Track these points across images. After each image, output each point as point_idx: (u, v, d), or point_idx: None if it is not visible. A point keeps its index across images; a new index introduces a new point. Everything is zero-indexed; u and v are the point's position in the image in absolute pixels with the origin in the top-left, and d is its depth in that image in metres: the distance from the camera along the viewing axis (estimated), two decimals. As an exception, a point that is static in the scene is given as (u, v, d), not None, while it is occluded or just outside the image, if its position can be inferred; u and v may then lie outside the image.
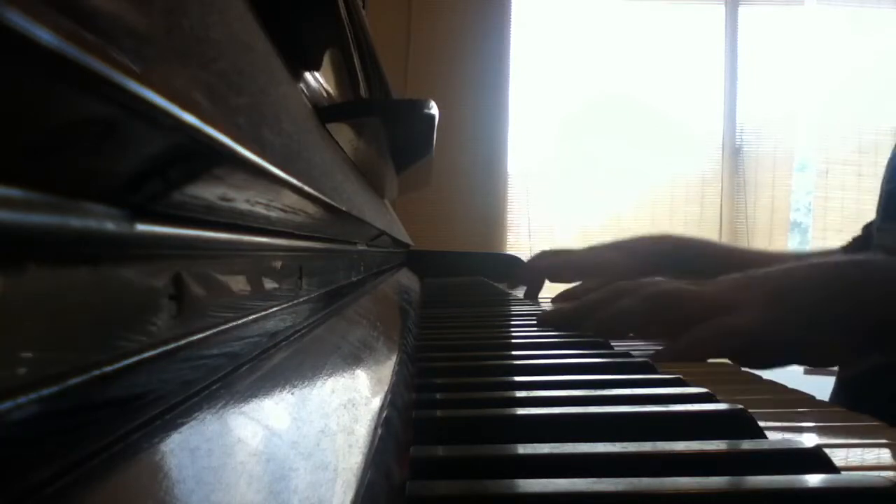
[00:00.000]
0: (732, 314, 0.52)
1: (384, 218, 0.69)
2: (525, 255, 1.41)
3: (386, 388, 0.30)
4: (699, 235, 1.28)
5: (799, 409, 0.36)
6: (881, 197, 0.83)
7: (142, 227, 0.13)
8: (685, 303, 0.55)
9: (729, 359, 0.52)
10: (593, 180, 2.66)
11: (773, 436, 0.28)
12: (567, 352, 0.49)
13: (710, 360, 0.53)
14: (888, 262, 0.54)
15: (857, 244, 0.90)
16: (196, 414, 0.15)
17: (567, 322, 0.61)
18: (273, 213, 0.21)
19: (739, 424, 0.29)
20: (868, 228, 0.90)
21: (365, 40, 0.67)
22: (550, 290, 1.04)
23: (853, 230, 0.93)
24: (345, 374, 0.28)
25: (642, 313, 0.57)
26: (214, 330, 0.17)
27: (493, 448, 0.26)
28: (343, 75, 0.58)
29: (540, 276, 1.03)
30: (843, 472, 0.23)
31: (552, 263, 1.03)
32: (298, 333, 0.27)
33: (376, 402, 0.27)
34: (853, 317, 0.50)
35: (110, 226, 0.12)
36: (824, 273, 0.54)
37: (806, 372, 0.89)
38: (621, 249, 0.97)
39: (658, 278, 0.64)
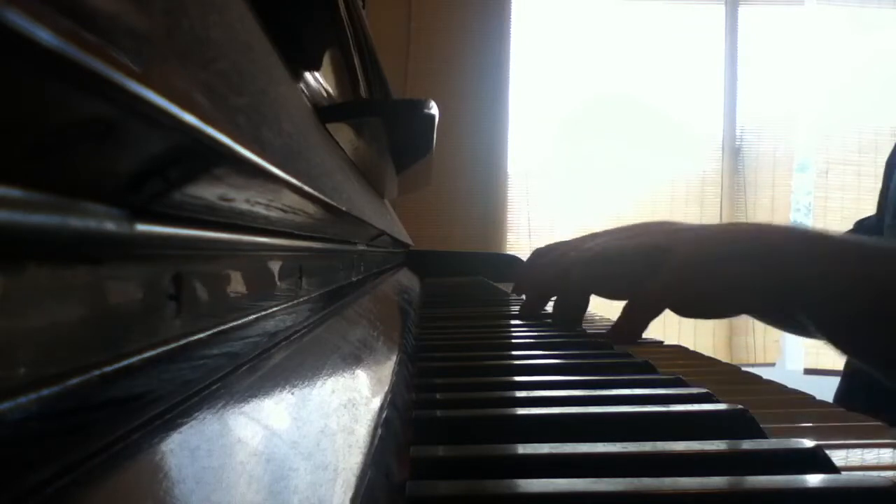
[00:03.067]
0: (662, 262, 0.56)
1: (384, 218, 0.69)
2: (525, 256, 1.40)
3: (386, 388, 0.30)
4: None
5: (799, 409, 0.36)
6: (885, 195, 0.83)
7: (142, 227, 0.13)
8: (625, 266, 0.60)
9: (680, 309, 0.57)
10: (593, 180, 2.66)
11: (773, 436, 0.28)
12: (567, 352, 0.49)
13: (710, 361, 0.53)
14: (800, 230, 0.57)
15: None
16: (196, 414, 0.15)
17: (532, 312, 0.68)
18: (273, 213, 0.21)
19: (740, 424, 0.29)
20: (861, 224, 0.90)
21: (365, 40, 0.67)
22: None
23: (853, 230, 0.94)
24: (345, 374, 0.28)
25: (587, 291, 0.63)
26: (214, 330, 0.17)
27: (494, 448, 0.26)
28: (343, 75, 0.58)
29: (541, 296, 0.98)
30: (843, 472, 0.23)
31: (546, 265, 0.99)
32: (298, 333, 0.27)
33: (376, 402, 0.27)
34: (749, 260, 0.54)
35: (110, 226, 0.12)
36: (739, 228, 0.59)
37: (806, 372, 0.89)
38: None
39: (597, 233, 0.68)
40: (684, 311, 0.58)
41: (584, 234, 0.72)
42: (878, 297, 0.49)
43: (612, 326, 0.60)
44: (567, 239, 0.77)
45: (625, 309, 0.60)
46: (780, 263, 0.53)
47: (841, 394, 0.79)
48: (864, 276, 0.50)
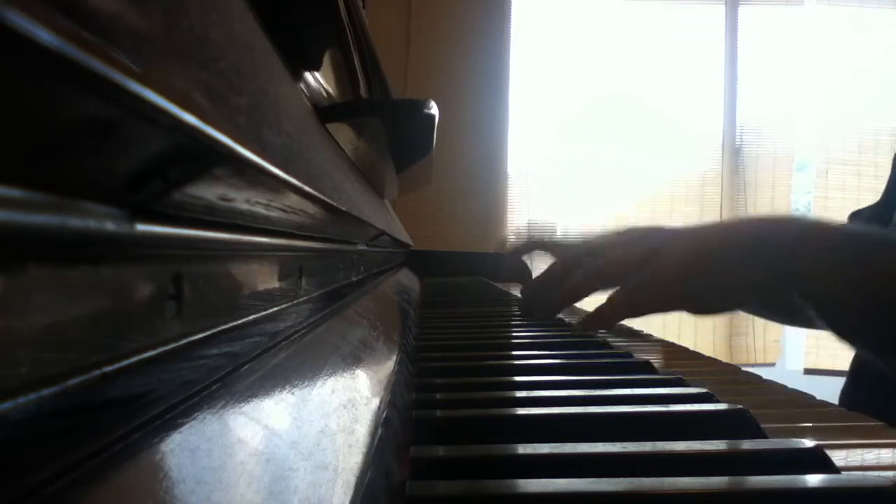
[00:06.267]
0: (652, 262, 0.59)
1: (384, 218, 0.69)
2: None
3: (386, 388, 0.30)
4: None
5: (799, 409, 0.36)
6: (892, 188, 0.83)
7: (142, 227, 0.13)
8: (627, 268, 0.61)
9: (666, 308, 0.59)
10: (593, 180, 2.66)
11: (773, 436, 0.28)
12: (567, 352, 0.49)
13: (710, 361, 0.53)
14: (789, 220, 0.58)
15: None
16: (196, 414, 0.15)
17: (531, 305, 0.70)
18: (273, 213, 0.21)
19: (740, 424, 0.29)
20: (856, 216, 0.90)
21: (365, 40, 0.67)
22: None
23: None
24: (345, 374, 0.28)
25: (590, 288, 0.65)
26: (214, 330, 0.17)
27: (493, 448, 0.26)
28: (343, 75, 0.58)
29: (526, 250, 1.03)
30: (843, 472, 0.23)
31: (540, 241, 1.03)
32: (298, 333, 0.27)
33: (376, 402, 0.27)
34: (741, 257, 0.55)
35: (110, 226, 0.12)
36: (725, 226, 0.61)
37: (806, 372, 0.89)
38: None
39: (598, 236, 0.71)
40: (681, 306, 0.58)
41: (582, 235, 0.73)
42: (877, 286, 0.50)
43: (590, 314, 0.63)
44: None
45: (609, 299, 0.62)
46: (776, 257, 0.53)
47: (845, 394, 0.79)
48: (862, 265, 0.51)
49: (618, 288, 0.62)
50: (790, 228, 0.55)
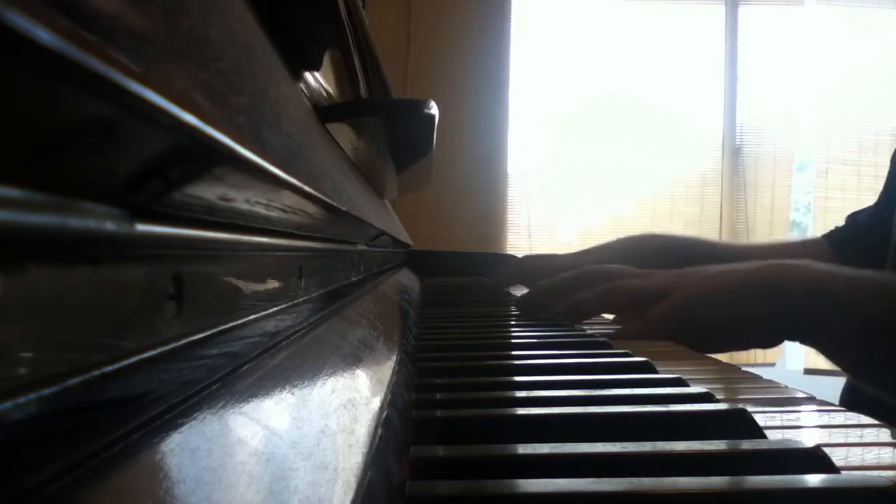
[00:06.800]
0: (667, 299, 0.61)
1: (384, 218, 0.69)
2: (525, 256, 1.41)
3: (386, 388, 0.30)
4: (698, 235, 1.28)
5: (799, 409, 0.36)
6: (889, 189, 0.84)
7: (142, 227, 0.13)
8: (635, 297, 0.64)
9: (676, 341, 0.61)
10: (593, 180, 2.66)
11: (773, 435, 0.28)
12: (567, 352, 0.49)
13: (710, 361, 0.53)
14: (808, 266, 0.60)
15: (838, 233, 0.93)
16: (196, 414, 0.15)
17: (531, 306, 0.72)
18: (273, 213, 0.21)
19: (739, 424, 0.29)
20: (854, 217, 0.91)
21: (365, 40, 0.67)
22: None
23: (853, 230, 0.94)
24: (345, 374, 0.28)
25: (598, 308, 0.68)
26: (214, 330, 0.17)
27: (494, 448, 0.26)
28: (343, 75, 0.58)
29: (523, 279, 1.07)
30: (843, 472, 0.23)
31: (537, 266, 1.05)
32: (298, 333, 0.27)
33: (376, 402, 0.27)
34: (765, 305, 0.58)
35: (110, 226, 0.12)
36: (748, 270, 0.62)
37: (806, 372, 0.90)
38: (606, 252, 0.99)
39: (613, 266, 0.73)
40: (686, 342, 0.60)
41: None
42: (875, 336, 0.53)
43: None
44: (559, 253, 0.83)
45: (617, 320, 0.66)
46: (787, 307, 0.56)
47: (845, 393, 0.79)
48: (860, 318, 0.54)
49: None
50: (804, 277, 0.58)
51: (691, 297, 0.61)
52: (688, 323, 0.60)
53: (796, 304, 0.56)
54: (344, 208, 0.31)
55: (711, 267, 0.65)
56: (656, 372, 0.41)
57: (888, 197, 0.84)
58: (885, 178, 0.87)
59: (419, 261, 1.39)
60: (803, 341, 0.58)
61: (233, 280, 0.19)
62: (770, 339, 0.61)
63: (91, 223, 0.11)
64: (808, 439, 0.26)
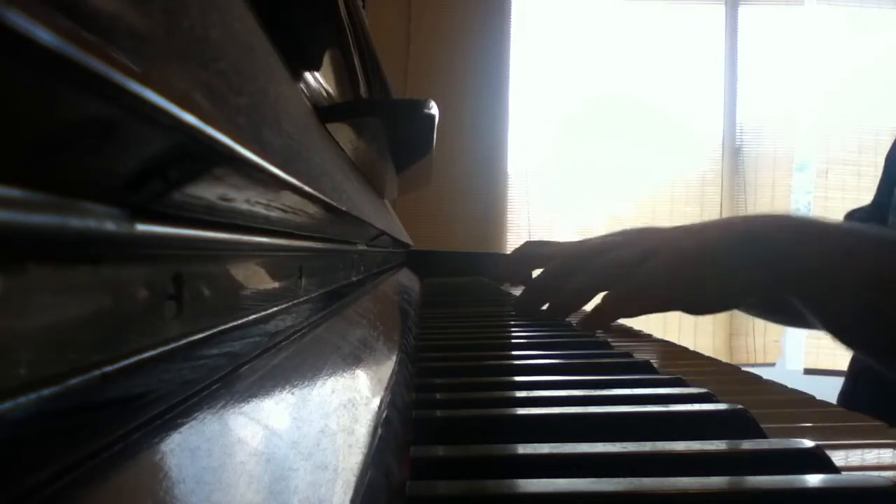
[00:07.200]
0: (648, 261, 0.59)
1: (384, 218, 0.69)
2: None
3: (386, 388, 0.30)
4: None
5: (799, 409, 0.36)
6: (884, 189, 0.84)
7: (142, 227, 0.13)
8: (623, 267, 0.62)
9: (664, 302, 0.60)
10: (593, 180, 2.66)
11: (773, 436, 0.28)
12: (567, 352, 0.49)
13: (710, 361, 0.53)
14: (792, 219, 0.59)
15: None
16: (196, 414, 0.15)
17: (528, 306, 0.70)
18: (273, 213, 0.21)
19: (739, 424, 0.29)
20: (852, 216, 0.91)
21: (365, 40, 0.67)
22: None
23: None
24: (345, 374, 0.28)
25: (592, 290, 0.65)
26: (214, 330, 0.17)
27: (493, 448, 0.26)
28: (343, 75, 0.58)
29: (525, 265, 1.04)
30: (843, 472, 0.23)
31: (538, 252, 1.03)
32: (298, 333, 0.27)
33: (376, 402, 0.27)
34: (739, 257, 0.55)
35: (110, 226, 0.12)
36: (728, 220, 0.63)
37: (806, 372, 0.90)
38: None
39: (592, 241, 0.72)
40: (677, 306, 0.59)
41: (582, 235, 0.74)
42: (870, 285, 0.50)
43: (586, 316, 0.63)
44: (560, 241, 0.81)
45: (605, 297, 0.63)
46: (771, 257, 0.54)
47: (844, 394, 0.79)
48: (855, 265, 0.51)
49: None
50: (785, 227, 0.56)
51: (673, 251, 0.59)
52: (676, 280, 0.58)
53: (778, 251, 0.54)
54: (344, 208, 0.31)
55: (696, 223, 0.63)
56: (656, 372, 0.41)
57: (882, 195, 0.84)
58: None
59: (419, 261, 1.39)
60: (789, 293, 0.55)
61: (233, 280, 0.19)
62: (748, 289, 0.57)
63: (91, 223, 0.11)
64: (807, 439, 0.26)
